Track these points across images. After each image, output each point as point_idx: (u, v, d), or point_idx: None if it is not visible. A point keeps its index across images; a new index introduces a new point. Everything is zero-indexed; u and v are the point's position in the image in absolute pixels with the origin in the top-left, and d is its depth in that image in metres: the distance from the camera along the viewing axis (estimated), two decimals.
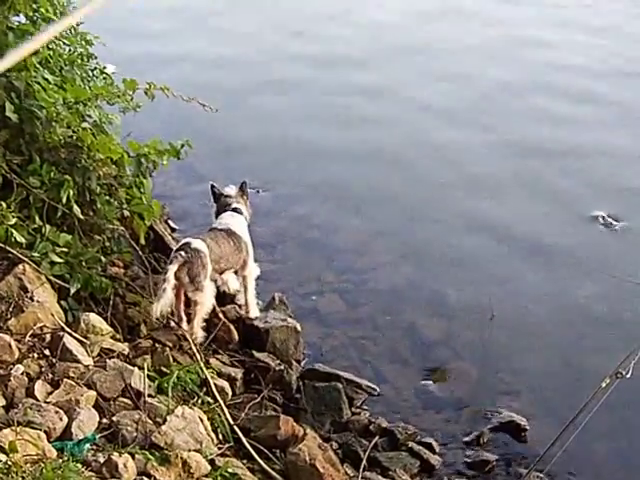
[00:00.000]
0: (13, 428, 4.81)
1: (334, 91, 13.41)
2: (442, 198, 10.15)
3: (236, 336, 7.16)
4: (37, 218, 6.50)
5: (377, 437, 6.47)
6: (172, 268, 6.35)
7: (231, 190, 7.34)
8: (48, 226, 6.50)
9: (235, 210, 7.20)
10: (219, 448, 5.73)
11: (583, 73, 14.14)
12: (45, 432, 4.97)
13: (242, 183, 7.39)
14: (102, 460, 4.88)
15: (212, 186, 7.40)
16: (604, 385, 4.99)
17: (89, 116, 6.94)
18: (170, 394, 5.97)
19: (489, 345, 7.65)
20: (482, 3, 18.37)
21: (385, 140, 11.64)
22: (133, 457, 5.01)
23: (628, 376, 5.02)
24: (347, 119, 12.35)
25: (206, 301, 6.67)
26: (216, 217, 7.24)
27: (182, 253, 6.42)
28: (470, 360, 7.49)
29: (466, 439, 6.65)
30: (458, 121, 12.30)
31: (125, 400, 5.75)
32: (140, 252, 7.36)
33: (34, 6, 6.87)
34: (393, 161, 11.07)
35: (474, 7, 17.97)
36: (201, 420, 5.76)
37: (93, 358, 6.03)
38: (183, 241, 6.66)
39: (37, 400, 5.29)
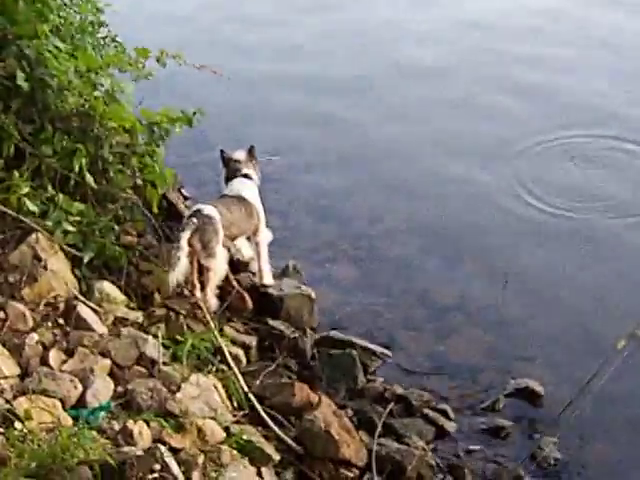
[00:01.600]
0: (28, 396, 4.84)
1: (348, 62, 13.30)
2: (457, 168, 10.06)
3: (250, 304, 7.16)
4: (50, 187, 6.49)
5: (392, 404, 6.46)
6: (184, 235, 6.34)
7: (240, 155, 7.31)
8: (61, 195, 6.49)
9: (245, 176, 7.18)
10: (234, 415, 5.75)
11: None
12: (60, 400, 5.00)
13: (250, 147, 7.36)
14: (117, 428, 4.90)
15: (221, 151, 7.37)
16: (619, 347, 4.97)
17: (101, 84, 6.91)
18: (184, 362, 5.99)
19: (503, 311, 7.60)
20: None
21: (401, 107, 11.55)
22: (148, 424, 5.02)
23: None
24: (362, 87, 12.26)
25: (219, 267, 6.66)
26: (226, 182, 7.23)
27: (194, 220, 6.40)
28: (484, 326, 7.46)
29: (481, 405, 6.64)
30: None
31: (140, 368, 5.77)
32: (153, 220, 7.35)
33: None
34: (409, 127, 10.99)
35: None
36: (215, 388, 5.77)
37: (107, 327, 6.05)
38: (194, 208, 6.64)
39: (52, 369, 5.32)
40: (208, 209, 6.54)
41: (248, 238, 7.17)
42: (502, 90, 11.85)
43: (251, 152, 7.35)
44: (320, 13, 15.10)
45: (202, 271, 6.72)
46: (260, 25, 14.68)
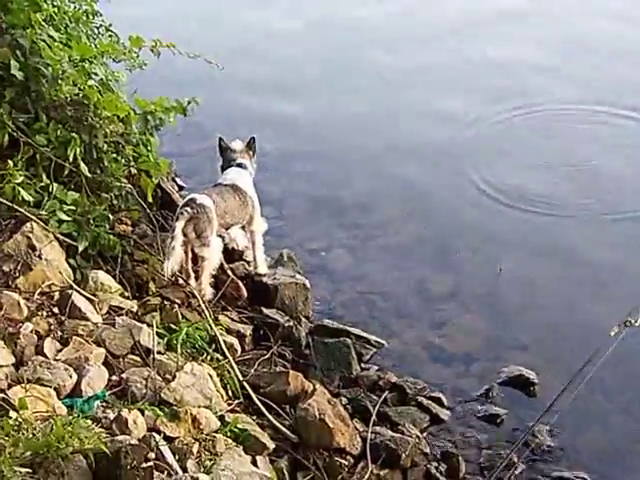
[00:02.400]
0: (23, 385, 4.85)
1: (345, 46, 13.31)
2: (451, 157, 10.07)
3: (245, 293, 7.17)
4: (44, 176, 6.48)
5: (386, 392, 6.49)
6: (179, 225, 6.34)
7: (237, 145, 7.31)
8: (55, 184, 6.49)
9: (240, 165, 7.18)
10: (228, 404, 5.76)
11: None
12: (55, 389, 4.99)
13: (251, 138, 7.35)
14: (112, 417, 4.90)
15: (220, 139, 7.36)
16: (612, 334, 4.98)
17: (95, 74, 6.90)
18: (179, 351, 5.99)
19: (497, 299, 7.66)
20: None
21: (395, 102, 11.56)
22: (143, 413, 5.03)
23: (637, 324, 5.03)
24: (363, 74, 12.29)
25: (213, 256, 6.67)
26: (222, 171, 7.22)
27: (188, 209, 6.40)
28: (478, 314, 7.50)
29: (475, 393, 6.68)
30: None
31: (134, 357, 5.77)
32: (148, 210, 7.35)
33: None
34: (402, 121, 11.00)
35: None
36: (210, 377, 5.78)
37: (102, 316, 6.05)
38: (188, 197, 6.64)
39: (46, 358, 5.31)
40: (202, 198, 6.54)
41: (243, 227, 7.17)
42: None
43: (249, 144, 7.33)
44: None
45: (196, 260, 6.73)
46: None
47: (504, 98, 11.31)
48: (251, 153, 7.33)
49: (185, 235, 6.42)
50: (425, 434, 6.19)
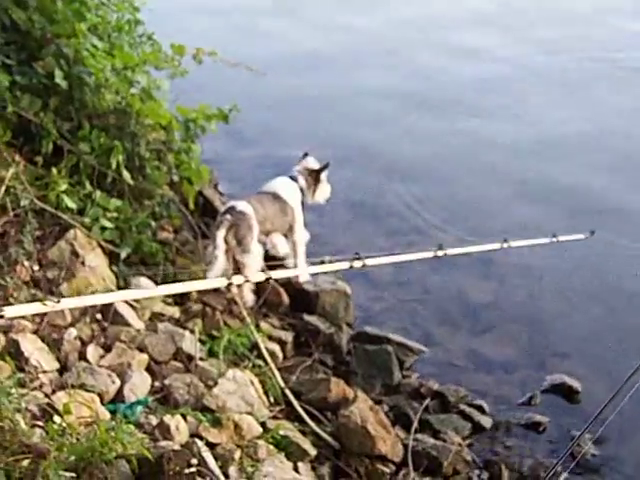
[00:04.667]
0: (67, 391, 4.88)
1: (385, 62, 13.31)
2: (492, 162, 10.04)
3: (286, 299, 7.18)
4: (87, 184, 6.55)
5: (428, 399, 6.45)
6: (220, 234, 6.33)
7: (307, 162, 7.25)
8: (98, 192, 6.55)
9: (292, 177, 7.12)
10: (270, 411, 5.76)
11: None
12: (98, 395, 5.03)
13: (325, 164, 7.27)
14: (155, 422, 4.93)
15: (305, 153, 7.35)
16: None
17: (137, 82, 6.97)
18: (221, 357, 6.02)
19: (539, 307, 7.60)
20: None
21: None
22: (185, 419, 5.06)
23: None
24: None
25: (254, 263, 6.67)
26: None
27: (228, 217, 6.40)
28: (520, 322, 7.44)
29: (517, 401, 6.62)
30: None
31: (176, 363, 5.81)
32: (189, 217, 7.39)
33: None
34: (444, 127, 10.99)
35: None
36: (252, 383, 5.79)
37: (144, 322, 6.09)
38: (228, 205, 6.64)
39: (90, 363, 5.35)
40: (241, 205, 6.53)
41: (285, 235, 7.14)
42: None
43: (318, 169, 7.24)
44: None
45: (238, 267, 6.74)
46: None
47: None
48: (313, 175, 7.23)
49: (226, 242, 6.43)
50: (467, 442, 6.14)
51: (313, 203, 7.29)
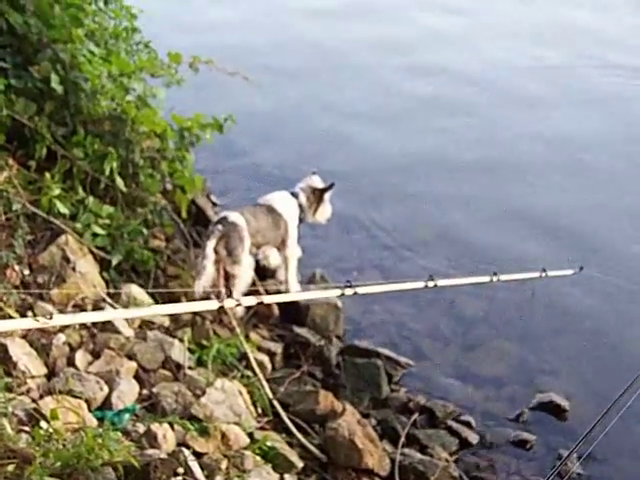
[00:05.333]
0: (54, 396, 4.86)
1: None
2: (485, 183, 10.07)
3: (276, 311, 7.17)
4: (80, 189, 6.55)
5: (416, 414, 6.44)
6: (210, 244, 6.32)
7: (312, 180, 7.25)
8: (91, 198, 6.55)
9: (292, 193, 7.11)
10: (258, 422, 5.76)
11: None
12: (86, 401, 5.00)
13: (330, 184, 7.26)
14: (142, 430, 4.91)
15: (313, 172, 7.35)
16: None
17: (133, 89, 6.97)
18: (210, 367, 6.01)
19: (529, 324, 7.60)
20: None
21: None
22: (172, 428, 5.03)
23: None
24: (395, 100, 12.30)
25: (244, 274, 6.65)
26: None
27: (219, 227, 6.39)
28: (510, 339, 7.44)
29: (505, 418, 6.62)
30: None
31: (165, 372, 5.79)
32: (182, 225, 7.39)
33: None
34: (434, 140, 11.01)
35: None
36: (240, 393, 5.78)
37: (134, 329, 6.07)
38: (220, 215, 6.63)
39: (78, 369, 5.33)
40: (234, 216, 6.52)
41: (278, 249, 7.10)
42: None
43: (323, 189, 7.22)
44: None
45: (228, 278, 6.73)
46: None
47: None
48: (315, 193, 7.21)
49: (216, 253, 6.41)
50: (454, 458, 6.14)
51: (313, 222, 7.29)
